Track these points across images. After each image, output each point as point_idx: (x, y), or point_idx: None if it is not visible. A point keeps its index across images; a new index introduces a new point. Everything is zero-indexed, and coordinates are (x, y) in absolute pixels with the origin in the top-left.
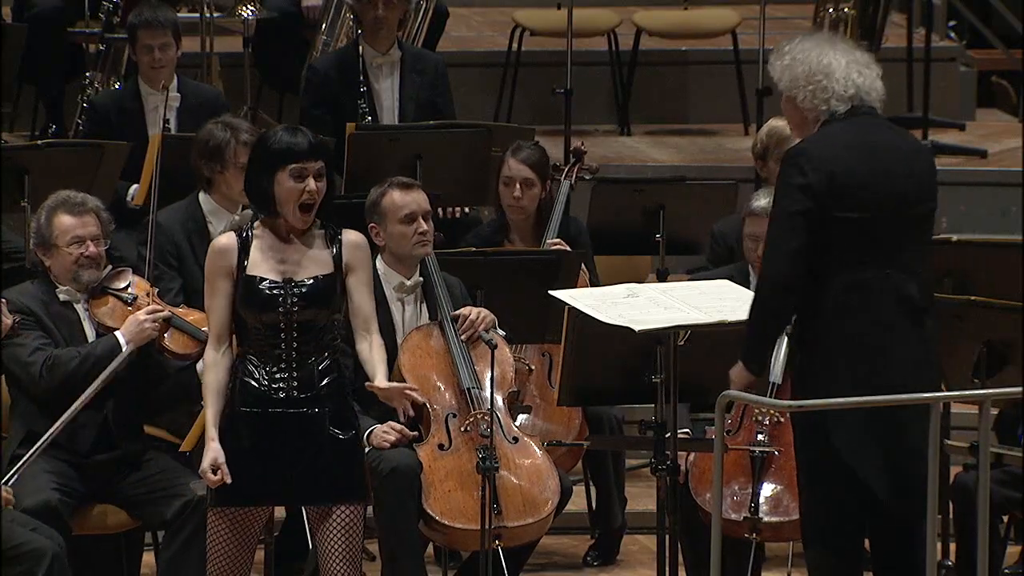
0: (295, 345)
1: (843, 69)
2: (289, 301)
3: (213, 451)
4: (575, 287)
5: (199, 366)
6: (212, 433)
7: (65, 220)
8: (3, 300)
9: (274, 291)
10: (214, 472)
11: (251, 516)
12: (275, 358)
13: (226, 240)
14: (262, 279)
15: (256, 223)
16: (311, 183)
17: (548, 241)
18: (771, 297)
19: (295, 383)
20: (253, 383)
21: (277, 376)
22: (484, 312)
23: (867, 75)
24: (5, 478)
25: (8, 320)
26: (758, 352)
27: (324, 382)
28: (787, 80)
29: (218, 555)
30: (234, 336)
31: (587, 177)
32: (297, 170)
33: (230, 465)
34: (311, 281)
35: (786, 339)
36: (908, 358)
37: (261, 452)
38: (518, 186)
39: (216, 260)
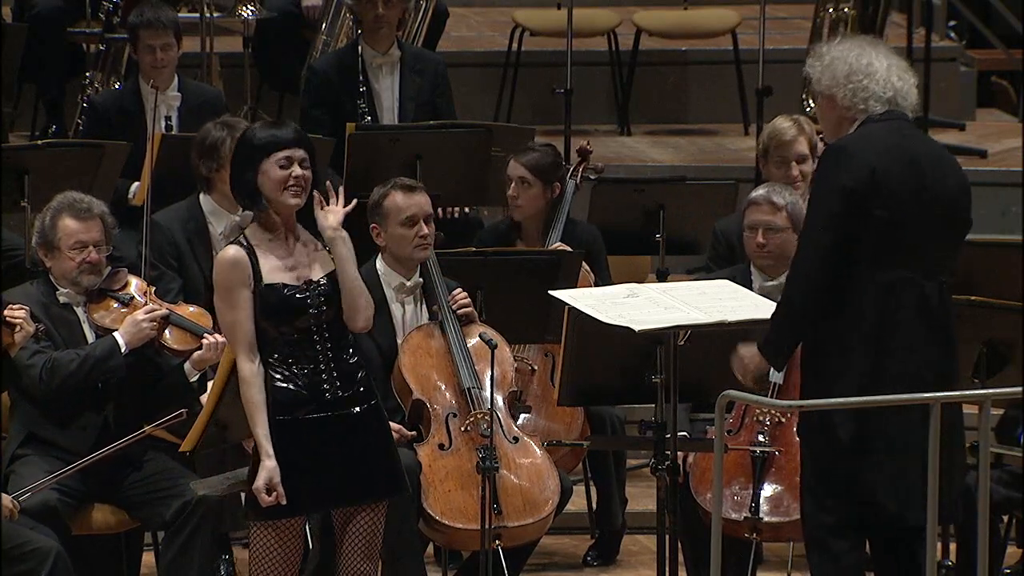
0: (329, 345)
1: (884, 71)
2: (316, 302)
3: (269, 470)
4: (575, 287)
5: (187, 366)
6: (269, 449)
7: (70, 224)
8: (26, 307)
9: (299, 295)
10: (268, 492)
11: (295, 522)
12: (312, 360)
13: (235, 252)
14: (284, 286)
15: (246, 230)
16: (297, 169)
17: (551, 247)
18: (801, 295)
19: (338, 383)
20: (294, 389)
21: (318, 379)
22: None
23: (905, 80)
24: (16, 493)
25: (30, 328)
26: (778, 347)
27: (360, 376)
28: (827, 79)
29: (266, 567)
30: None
31: (592, 177)
32: (283, 159)
33: (296, 473)
34: (326, 280)
35: None
36: (924, 363)
37: (310, 459)
38: (513, 185)
39: (231, 272)
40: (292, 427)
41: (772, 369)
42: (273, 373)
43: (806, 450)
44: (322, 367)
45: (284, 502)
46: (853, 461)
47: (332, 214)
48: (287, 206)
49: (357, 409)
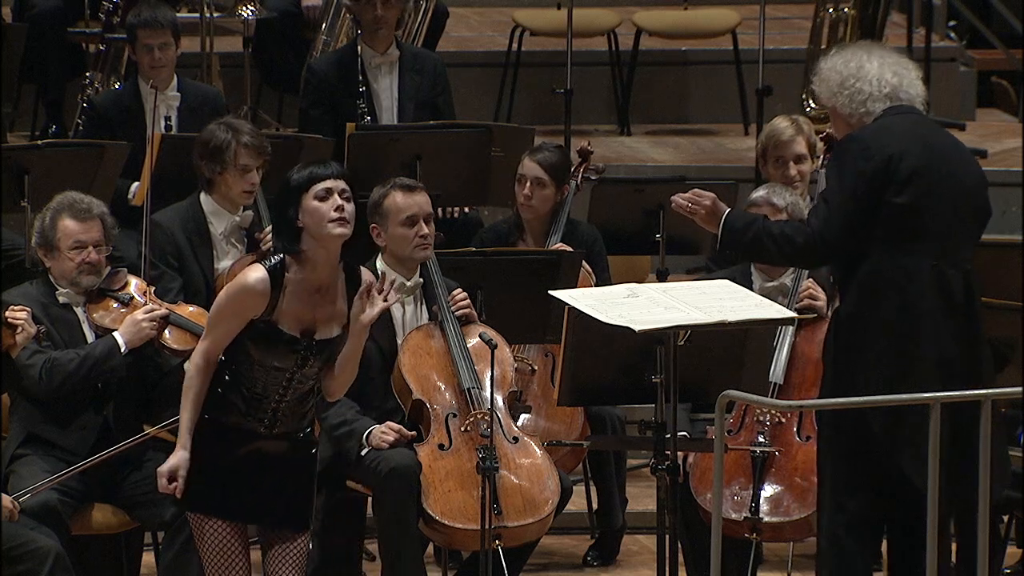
0: (293, 388)
1: (875, 70)
2: (305, 355)
3: (179, 459)
4: (575, 287)
5: (187, 365)
6: (185, 440)
7: (69, 224)
8: (27, 309)
9: (294, 346)
10: (170, 480)
11: (220, 523)
12: (267, 395)
13: (260, 286)
14: (288, 336)
15: (288, 260)
16: (337, 199)
17: (551, 247)
18: (809, 248)
19: (277, 422)
20: (232, 405)
21: (260, 411)
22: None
23: (904, 75)
24: (16, 493)
25: (32, 329)
26: (737, 253)
27: (305, 423)
28: (825, 92)
29: (205, 557)
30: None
31: (593, 178)
32: (322, 191)
33: (208, 473)
34: (328, 340)
35: (788, 342)
36: (942, 355)
37: (225, 464)
38: (528, 184)
39: (244, 301)
40: (214, 427)
41: (772, 368)
42: (221, 382)
43: (825, 447)
44: (273, 403)
45: (179, 495)
46: (885, 450)
47: (372, 308)
48: (332, 237)
49: (285, 443)
